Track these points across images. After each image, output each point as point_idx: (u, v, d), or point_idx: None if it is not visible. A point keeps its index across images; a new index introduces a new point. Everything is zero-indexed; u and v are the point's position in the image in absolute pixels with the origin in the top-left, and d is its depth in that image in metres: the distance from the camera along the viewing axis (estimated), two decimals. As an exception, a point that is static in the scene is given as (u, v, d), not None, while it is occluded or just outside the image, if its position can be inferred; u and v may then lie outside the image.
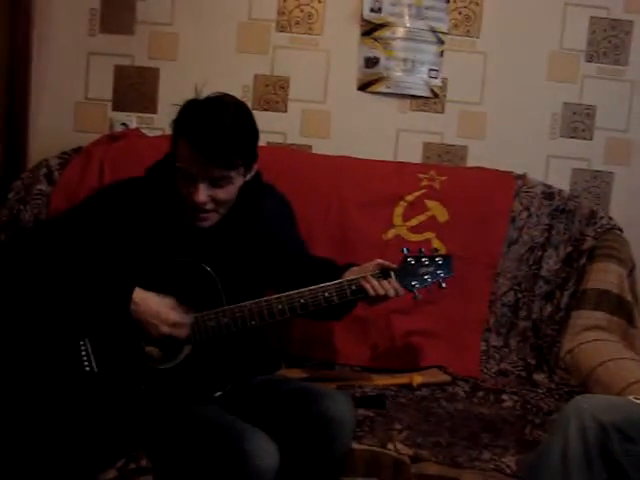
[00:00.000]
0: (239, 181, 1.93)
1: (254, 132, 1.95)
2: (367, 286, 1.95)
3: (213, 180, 1.88)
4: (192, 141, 1.85)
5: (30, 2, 2.85)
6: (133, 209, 1.95)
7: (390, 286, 1.96)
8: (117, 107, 2.96)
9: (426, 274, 2.02)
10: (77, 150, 2.76)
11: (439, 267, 2.03)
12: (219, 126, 1.85)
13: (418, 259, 2.02)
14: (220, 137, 1.84)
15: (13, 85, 2.88)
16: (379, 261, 2.00)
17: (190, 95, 1.95)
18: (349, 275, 1.99)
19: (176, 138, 1.91)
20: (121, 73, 2.94)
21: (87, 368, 1.89)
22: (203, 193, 1.88)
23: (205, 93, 1.94)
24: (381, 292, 1.95)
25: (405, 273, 2.00)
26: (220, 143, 1.84)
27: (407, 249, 2.02)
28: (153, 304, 1.88)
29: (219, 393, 1.90)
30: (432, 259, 2.03)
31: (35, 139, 2.95)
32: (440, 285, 2.04)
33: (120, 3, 2.90)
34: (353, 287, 1.96)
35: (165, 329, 1.88)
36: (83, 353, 1.90)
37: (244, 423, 1.79)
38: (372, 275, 1.97)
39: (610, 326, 2.55)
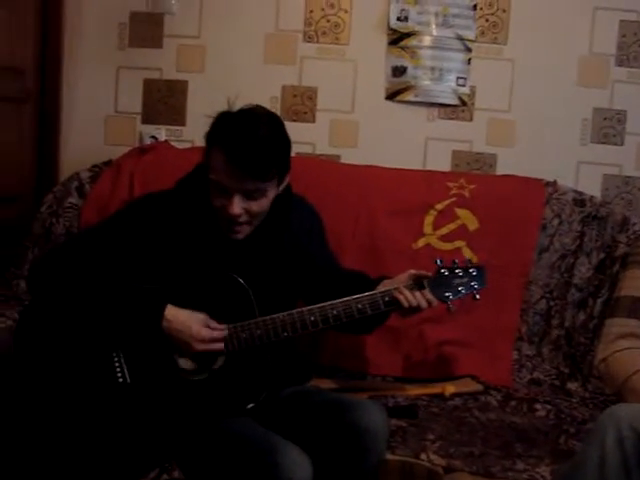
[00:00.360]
0: (272, 193, 1.93)
1: (287, 144, 1.95)
2: (400, 297, 1.94)
3: (247, 192, 1.87)
4: (227, 153, 1.84)
5: (61, 18, 2.91)
6: (164, 222, 1.96)
7: (423, 297, 1.95)
8: (146, 120, 3.00)
9: (460, 285, 2.00)
10: (107, 163, 2.80)
11: (473, 278, 2.01)
12: (254, 138, 1.84)
13: (452, 270, 2.00)
14: (255, 149, 1.83)
15: (44, 100, 2.93)
16: (412, 272, 2.00)
17: (219, 107, 1.94)
18: (382, 287, 1.98)
19: (209, 150, 1.90)
20: (150, 86, 2.98)
21: (120, 379, 1.90)
22: (238, 205, 1.87)
23: (234, 105, 1.93)
24: (414, 303, 1.94)
25: (439, 284, 1.98)
26: (255, 155, 1.83)
27: (440, 260, 2.01)
28: (185, 320, 1.87)
29: (252, 405, 1.90)
30: (466, 270, 2.01)
31: (66, 153, 3.01)
32: (474, 297, 2.02)
33: (148, 17, 2.95)
34: (386, 298, 1.95)
35: (198, 346, 1.88)
36: (116, 364, 1.91)
37: (276, 436, 1.79)
38: (405, 286, 1.96)
39: (645, 334, 2.51)
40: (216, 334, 1.90)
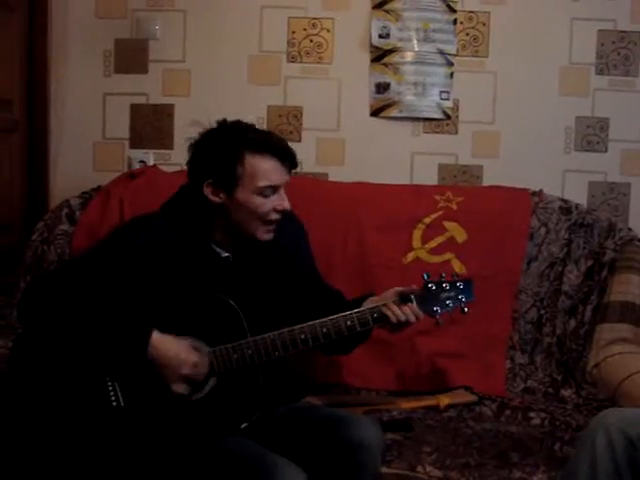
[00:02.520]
0: None
1: None
2: (388, 313, 1.96)
3: (284, 187, 1.99)
4: (274, 152, 1.95)
5: (46, 47, 2.93)
6: (152, 245, 1.97)
7: (411, 312, 1.97)
8: (134, 145, 3.02)
9: (448, 299, 2.01)
10: (97, 189, 2.80)
11: (461, 292, 2.02)
12: (278, 135, 2.02)
13: (439, 284, 2.01)
14: (287, 143, 2.01)
15: (33, 129, 2.95)
16: (397, 289, 2.02)
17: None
18: (369, 304, 2.00)
19: (244, 161, 1.94)
20: (137, 111, 3.00)
21: (114, 403, 1.90)
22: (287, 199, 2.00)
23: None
24: (402, 318, 1.96)
25: (426, 299, 2.00)
26: (290, 149, 1.99)
27: (427, 274, 2.02)
28: (172, 346, 1.88)
29: (245, 424, 1.90)
30: (453, 284, 2.02)
31: (56, 180, 3.02)
32: (462, 310, 2.03)
33: (133, 43, 2.97)
34: (375, 315, 1.97)
35: (186, 370, 1.89)
36: (110, 388, 1.91)
37: (272, 454, 1.80)
38: (393, 302, 1.98)
39: (636, 338, 2.50)
40: (203, 359, 1.91)
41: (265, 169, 1.94)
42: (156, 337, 1.87)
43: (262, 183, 1.94)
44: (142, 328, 1.88)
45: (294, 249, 2.15)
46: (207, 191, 1.96)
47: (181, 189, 2.06)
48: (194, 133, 2.02)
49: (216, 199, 1.96)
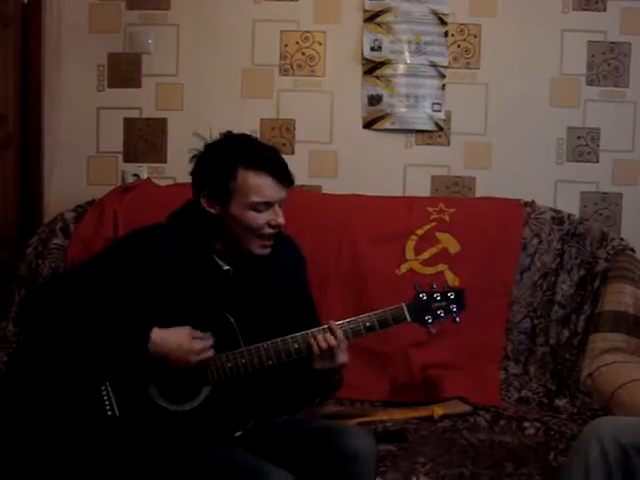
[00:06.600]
0: None
1: None
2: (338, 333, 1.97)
3: (281, 202, 1.99)
4: (273, 171, 1.95)
5: (40, 62, 2.94)
6: (155, 254, 1.98)
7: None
8: (128, 159, 3.03)
9: (439, 309, 2.03)
10: (91, 203, 2.81)
11: (452, 302, 2.04)
12: (277, 151, 2.01)
13: (430, 294, 2.03)
14: (283, 160, 2.00)
15: (27, 143, 2.96)
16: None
17: (199, 143, 2.02)
18: None
19: (234, 174, 1.94)
20: (130, 125, 3.02)
21: (109, 412, 1.91)
22: (282, 214, 1.99)
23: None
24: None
25: (418, 308, 2.01)
26: (285, 165, 1.99)
27: (419, 285, 2.04)
28: (173, 339, 1.89)
29: (239, 433, 1.91)
30: (444, 294, 2.04)
31: (50, 194, 3.03)
32: (454, 320, 2.05)
33: (126, 58, 2.99)
34: (367, 324, 1.99)
35: (194, 358, 1.90)
36: (105, 398, 1.92)
37: (267, 464, 1.80)
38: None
39: (629, 347, 2.54)
40: (206, 342, 1.92)
41: (258, 185, 1.95)
42: (156, 332, 1.89)
43: (255, 199, 1.95)
44: (141, 325, 1.89)
45: (292, 274, 2.15)
46: (203, 202, 1.98)
47: (187, 203, 2.08)
48: (198, 144, 2.02)
49: (212, 210, 1.98)
